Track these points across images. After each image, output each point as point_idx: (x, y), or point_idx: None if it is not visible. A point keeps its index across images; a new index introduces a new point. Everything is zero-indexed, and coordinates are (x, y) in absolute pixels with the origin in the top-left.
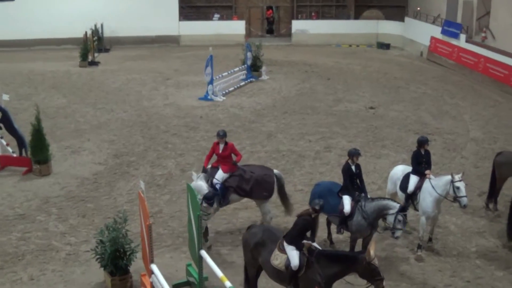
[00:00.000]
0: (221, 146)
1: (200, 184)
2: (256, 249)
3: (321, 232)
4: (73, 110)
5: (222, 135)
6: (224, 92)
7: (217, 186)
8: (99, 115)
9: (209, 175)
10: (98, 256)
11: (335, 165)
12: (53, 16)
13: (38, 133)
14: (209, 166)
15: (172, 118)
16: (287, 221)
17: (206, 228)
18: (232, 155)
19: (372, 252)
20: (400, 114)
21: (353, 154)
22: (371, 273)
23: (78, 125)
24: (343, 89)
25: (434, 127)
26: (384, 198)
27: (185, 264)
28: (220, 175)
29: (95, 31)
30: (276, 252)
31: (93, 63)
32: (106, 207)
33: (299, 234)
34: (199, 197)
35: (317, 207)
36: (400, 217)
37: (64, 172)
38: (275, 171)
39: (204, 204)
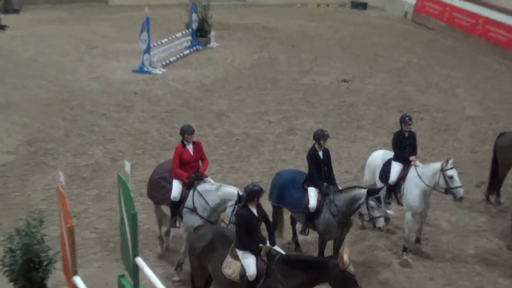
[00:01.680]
0: (190, 147)
1: (228, 190)
2: (204, 254)
3: (285, 232)
4: None
5: (192, 129)
6: (164, 63)
7: None
8: (8, 92)
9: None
10: (6, 268)
11: (301, 151)
12: None
13: None
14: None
15: (99, 95)
16: None
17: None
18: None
19: (346, 257)
20: (379, 89)
21: (319, 136)
22: (346, 283)
23: None
24: (310, 58)
25: (421, 104)
26: (353, 188)
27: (117, 275)
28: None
29: None
30: (229, 258)
31: (0, 27)
32: (17, 207)
33: (244, 234)
34: (231, 203)
35: (243, 194)
36: (371, 203)
37: None
38: None
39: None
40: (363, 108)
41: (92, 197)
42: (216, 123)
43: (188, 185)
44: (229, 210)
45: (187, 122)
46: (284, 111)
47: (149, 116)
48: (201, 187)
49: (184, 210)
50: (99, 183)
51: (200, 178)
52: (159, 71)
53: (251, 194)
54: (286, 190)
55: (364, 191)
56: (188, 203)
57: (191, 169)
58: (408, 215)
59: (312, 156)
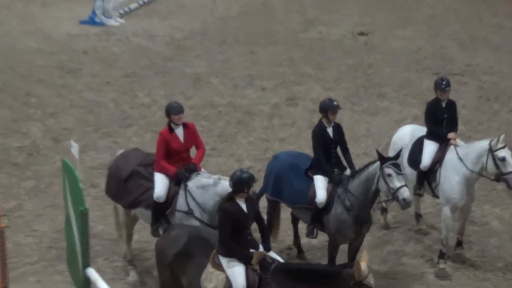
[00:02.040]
0: (180, 132)
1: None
2: (177, 263)
3: (284, 234)
4: None
5: (181, 108)
6: (122, 12)
7: None
8: None
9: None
10: None
11: (304, 127)
12: None
13: None
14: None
15: (36, 55)
16: None
17: None
18: None
19: (364, 265)
20: (408, 44)
21: (328, 107)
22: None
23: None
24: (316, 4)
25: (464, 64)
26: (365, 166)
27: None
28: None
29: None
30: (210, 268)
31: None
32: None
33: (230, 237)
34: None
35: (233, 184)
36: (387, 170)
37: None
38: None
39: None
40: (386, 70)
41: (28, 190)
42: (192, 90)
43: (177, 181)
44: None
45: (154, 89)
46: (282, 74)
47: (103, 82)
48: (193, 183)
49: (177, 213)
50: (37, 171)
51: (193, 171)
52: (115, 22)
53: (239, 184)
54: (286, 179)
55: (377, 163)
56: (180, 204)
57: (181, 160)
58: (446, 211)
59: (318, 134)
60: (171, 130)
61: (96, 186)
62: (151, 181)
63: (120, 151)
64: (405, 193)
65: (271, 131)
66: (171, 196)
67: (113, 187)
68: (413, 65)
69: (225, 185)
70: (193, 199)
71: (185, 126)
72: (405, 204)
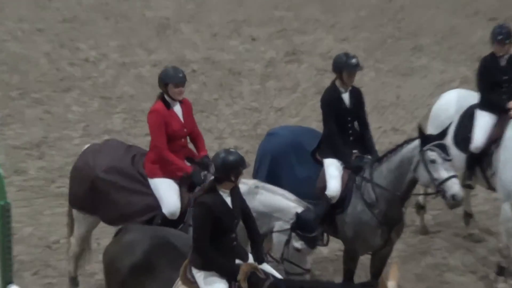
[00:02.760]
0: (178, 110)
1: (274, 201)
2: (135, 279)
3: None
4: None
5: (183, 77)
6: None
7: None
8: None
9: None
10: None
11: (310, 93)
12: None
13: None
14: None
15: None
16: None
17: None
18: None
19: (392, 284)
20: None
21: (343, 66)
22: None
23: None
24: None
25: None
26: (398, 147)
27: None
28: None
29: None
30: (180, 286)
31: None
32: None
33: (208, 241)
34: (285, 226)
35: (216, 170)
36: (431, 154)
37: None
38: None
39: (298, 244)
40: (424, 14)
41: None
42: (156, 41)
43: (189, 184)
44: (277, 239)
45: (102, 39)
46: (280, 19)
47: (33, 29)
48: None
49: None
50: None
51: (208, 167)
52: None
53: (223, 170)
54: (285, 164)
55: (416, 142)
56: None
57: (182, 149)
58: (507, 209)
59: (330, 101)
60: (167, 106)
61: (22, 172)
62: (143, 184)
63: (87, 145)
64: (455, 186)
65: (264, 97)
66: (183, 207)
67: (82, 194)
68: (461, 7)
69: (267, 198)
70: None
71: (182, 102)
72: (454, 202)
